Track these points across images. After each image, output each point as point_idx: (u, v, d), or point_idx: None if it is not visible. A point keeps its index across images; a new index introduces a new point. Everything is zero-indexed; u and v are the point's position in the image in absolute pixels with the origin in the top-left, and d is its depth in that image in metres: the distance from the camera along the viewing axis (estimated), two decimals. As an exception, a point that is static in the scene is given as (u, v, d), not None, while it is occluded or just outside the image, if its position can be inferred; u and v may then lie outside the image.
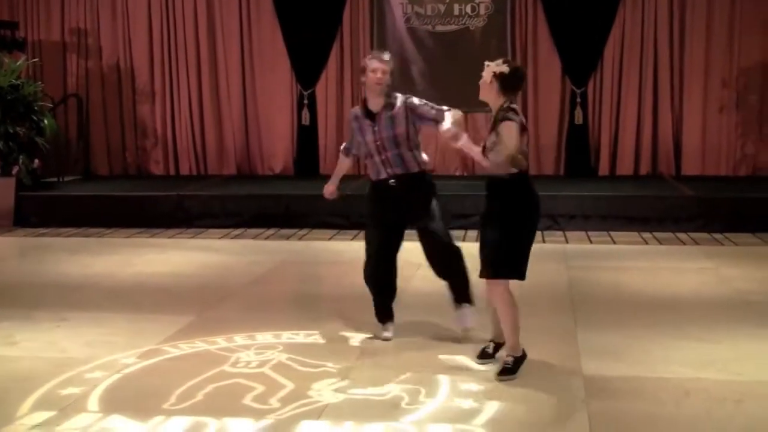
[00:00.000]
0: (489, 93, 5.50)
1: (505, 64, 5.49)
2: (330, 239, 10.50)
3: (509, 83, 5.46)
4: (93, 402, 5.19)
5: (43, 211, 11.86)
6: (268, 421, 4.87)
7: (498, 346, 5.81)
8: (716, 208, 10.88)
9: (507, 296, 5.55)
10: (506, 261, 5.49)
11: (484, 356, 5.84)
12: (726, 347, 6.12)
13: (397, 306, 6.65)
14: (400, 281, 6.62)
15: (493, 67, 5.48)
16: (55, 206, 11.98)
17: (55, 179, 13.10)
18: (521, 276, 5.57)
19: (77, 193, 12.49)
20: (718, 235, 10.40)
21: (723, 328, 6.57)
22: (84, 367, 5.80)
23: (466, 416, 4.91)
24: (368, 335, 6.41)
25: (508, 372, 5.51)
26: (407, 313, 6.83)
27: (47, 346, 6.33)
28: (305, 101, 13.87)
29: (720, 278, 8.35)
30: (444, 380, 5.47)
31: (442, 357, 5.94)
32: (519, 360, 5.56)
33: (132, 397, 5.30)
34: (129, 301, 7.74)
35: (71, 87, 14.33)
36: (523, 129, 5.41)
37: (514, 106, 5.44)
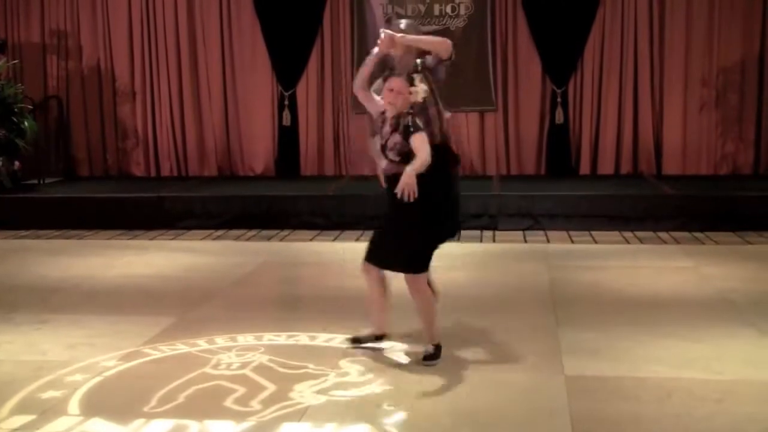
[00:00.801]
0: (407, 105, 5.69)
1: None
2: (312, 240, 10.48)
3: None
4: (73, 405, 5.16)
5: (24, 213, 11.77)
6: (250, 423, 4.86)
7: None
8: (697, 206, 10.91)
9: None
10: None
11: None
12: (707, 346, 6.14)
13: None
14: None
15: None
16: (35, 208, 11.91)
17: (35, 181, 13.04)
18: None
19: (58, 194, 12.41)
20: (698, 234, 10.43)
21: (704, 327, 6.60)
22: (64, 369, 5.77)
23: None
24: (350, 336, 6.40)
25: (432, 357, 5.84)
26: (391, 313, 6.82)
27: (27, 349, 6.30)
28: (286, 102, 13.85)
29: (701, 277, 8.38)
30: (426, 381, 5.46)
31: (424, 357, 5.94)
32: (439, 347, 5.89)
33: (113, 400, 5.27)
34: (110, 303, 7.70)
35: (51, 88, 14.26)
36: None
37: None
